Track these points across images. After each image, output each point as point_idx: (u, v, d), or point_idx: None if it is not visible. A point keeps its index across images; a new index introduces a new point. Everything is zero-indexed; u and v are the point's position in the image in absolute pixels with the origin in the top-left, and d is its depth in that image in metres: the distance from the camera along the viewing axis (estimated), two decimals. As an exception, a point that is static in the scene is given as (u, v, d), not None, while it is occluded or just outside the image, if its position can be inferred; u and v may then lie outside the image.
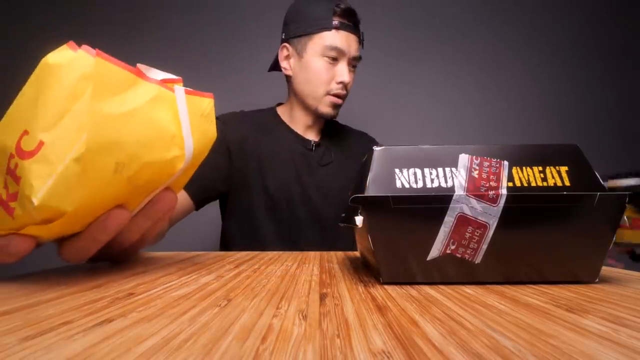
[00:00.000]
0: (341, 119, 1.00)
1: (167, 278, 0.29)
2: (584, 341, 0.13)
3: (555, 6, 1.63)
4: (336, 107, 0.83)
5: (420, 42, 1.63)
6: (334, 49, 0.79)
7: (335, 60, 0.80)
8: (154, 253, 0.49)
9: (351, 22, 0.81)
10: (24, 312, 0.19)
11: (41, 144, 0.25)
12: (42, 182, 0.25)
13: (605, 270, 0.32)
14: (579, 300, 0.20)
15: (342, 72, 0.80)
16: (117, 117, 0.27)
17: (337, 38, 0.79)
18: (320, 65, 0.81)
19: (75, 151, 0.25)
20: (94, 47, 1.67)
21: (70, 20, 1.65)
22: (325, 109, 0.82)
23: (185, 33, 1.63)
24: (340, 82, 0.80)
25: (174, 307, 0.19)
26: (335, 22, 0.79)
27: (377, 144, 0.94)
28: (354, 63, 0.83)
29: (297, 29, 0.83)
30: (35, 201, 0.25)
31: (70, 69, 0.26)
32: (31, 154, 0.25)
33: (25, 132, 0.26)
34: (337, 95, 0.81)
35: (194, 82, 1.54)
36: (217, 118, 0.86)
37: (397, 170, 0.26)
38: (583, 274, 0.25)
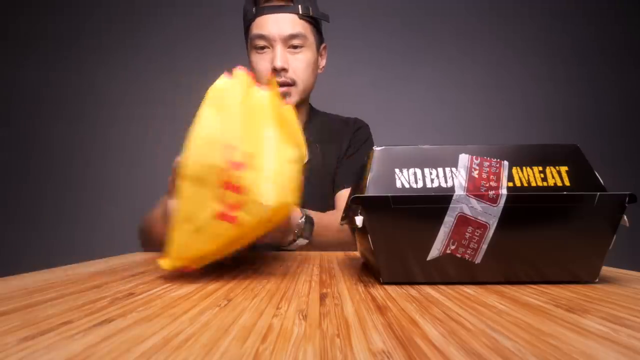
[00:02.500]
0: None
1: (166, 278, 0.29)
2: (584, 341, 0.13)
3: (556, 6, 1.63)
4: (280, 96, 0.76)
5: (421, 42, 1.63)
6: (258, 37, 0.74)
7: (266, 48, 0.75)
8: (153, 253, 0.49)
9: (277, 2, 0.74)
10: (23, 312, 0.19)
11: (249, 155, 0.30)
12: (262, 186, 0.29)
13: (605, 270, 0.32)
14: (579, 300, 0.20)
15: (273, 57, 0.73)
16: None
17: (259, 25, 0.74)
18: (253, 59, 0.76)
19: (291, 156, 0.31)
20: (95, 46, 1.66)
21: (70, 21, 1.65)
22: None
23: (186, 32, 1.63)
24: (274, 69, 0.73)
25: (174, 307, 0.19)
26: (254, 9, 0.75)
27: (364, 129, 0.89)
28: (293, 43, 0.75)
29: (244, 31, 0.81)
30: (266, 202, 0.28)
31: (241, 94, 0.32)
32: (243, 165, 0.29)
33: (230, 147, 0.29)
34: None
35: (194, 84, 1.54)
36: None
37: (397, 170, 0.26)
38: (583, 273, 0.25)
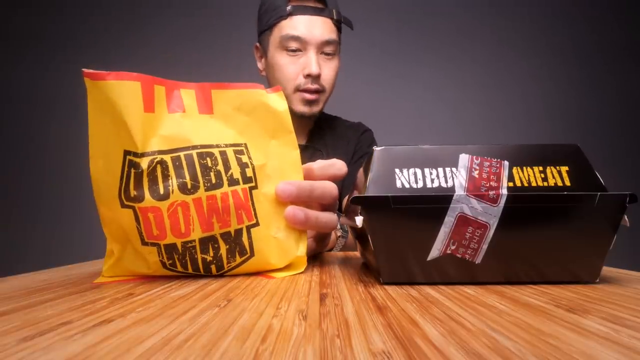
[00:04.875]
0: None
1: (166, 278, 0.29)
2: (584, 341, 0.13)
3: (557, 6, 1.63)
4: (310, 103, 0.73)
5: (421, 41, 1.62)
6: (292, 38, 0.69)
7: (298, 51, 0.71)
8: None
9: (312, 3, 0.71)
10: (22, 312, 0.19)
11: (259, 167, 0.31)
12: (272, 249, 0.31)
13: (605, 270, 0.32)
14: (579, 300, 0.20)
15: (308, 63, 0.70)
16: None
17: (293, 25, 0.69)
18: (282, 60, 0.72)
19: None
20: (91, 46, 1.66)
21: (69, 22, 1.65)
22: (298, 107, 0.73)
23: (184, 33, 1.63)
24: (308, 75, 0.71)
25: (174, 307, 0.19)
26: (289, 7, 0.70)
27: (369, 133, 0.89)
28: (327, 50, 0.72)
29: (260, 25, 0.75)
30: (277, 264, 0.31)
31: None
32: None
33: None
34: (307, 90, 0.72)
35: (189, 81, 1.54)
36: None
37: (397, 170, 0.26)
38: (583, 274, 0.25)
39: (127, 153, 0.26)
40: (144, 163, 0.26)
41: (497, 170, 0.25)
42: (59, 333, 0.15)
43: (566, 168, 0.25)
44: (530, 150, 0.26)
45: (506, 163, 0.25)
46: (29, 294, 0.23)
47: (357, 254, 0.47)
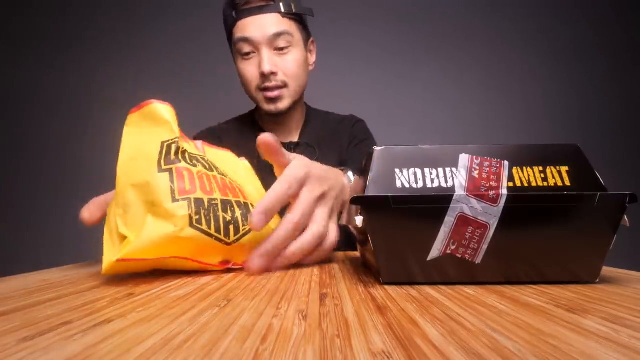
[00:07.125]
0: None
1: (166, 278, 0.29)
2: (584, 341, 0.13)
3: (557, 5, 1.63)
4: (273, 101, 0.74)
5: (421, 41, 1.62)
6: (240, 40, 0.71)
7: (252, 53, 0.73)
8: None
9: (257, 2, 0.72)
10: (22, 312, 0.19)
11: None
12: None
13: (605, 270, 0.32)
14: (579, 300, 0.20)
15: (260, 62, 0.71)
16: None
17: (240, 29, 0.71)
18: (240, 66, 0.74)
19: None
20: (94, 45, 1.66)
21: (69, 22, 1.65)
22: (264, 106, 0.75)
23: (185, 33, 1.63)
24: (262, 74, 0.72)
25: (174, 307, 0.19)
26: (234, 14, 0.72)
27: (361, 123, 0.89)
28: (280, 45, 0.72)
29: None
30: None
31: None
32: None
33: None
34: (266, 89, 0.73)
35: (191, 85, 1.54)
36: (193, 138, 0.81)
37: (397, 170, 0.26)
38: (583, 274, 0.25)
39: (164, 142, 0.33)
40: (180, 144, 0.34)
41: (497, 170, 0.25)
42: (59, 333, 0.15)
43: (566, 168, 0.25)
44: (531, 150, 0.26)
45: (506, 163, 0.25)
46: (28, 294, 0.23)
47: (357, 254, 0.47)
